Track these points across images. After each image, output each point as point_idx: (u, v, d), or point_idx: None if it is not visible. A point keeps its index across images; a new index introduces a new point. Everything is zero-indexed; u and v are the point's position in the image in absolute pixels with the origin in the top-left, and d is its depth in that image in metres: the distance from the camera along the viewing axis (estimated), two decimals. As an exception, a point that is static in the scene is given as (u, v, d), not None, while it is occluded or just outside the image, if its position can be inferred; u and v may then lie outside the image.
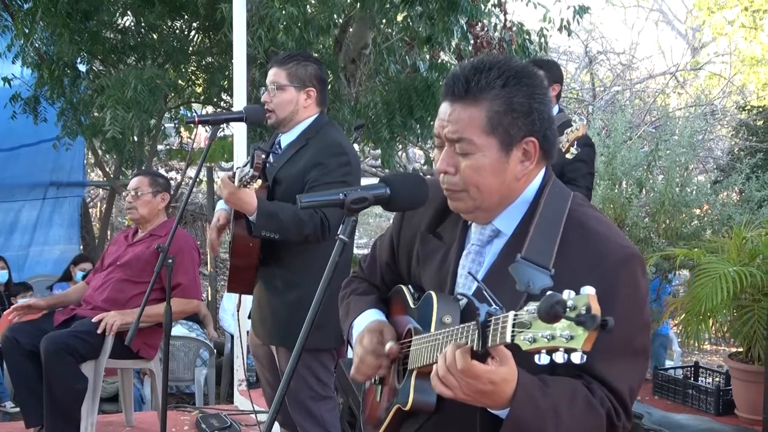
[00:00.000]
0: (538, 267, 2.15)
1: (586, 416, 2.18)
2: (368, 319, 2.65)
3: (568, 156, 5.31)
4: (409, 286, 2.64)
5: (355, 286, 2.86)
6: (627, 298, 2.25)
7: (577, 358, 1.82)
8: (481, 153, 2.30)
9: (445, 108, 2.35)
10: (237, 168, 4.49)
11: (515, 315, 1.91)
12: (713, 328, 6.63)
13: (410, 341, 2.45)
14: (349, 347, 2.72)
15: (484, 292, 2.07)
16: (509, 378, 2.06)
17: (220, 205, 4.72)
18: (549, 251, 2.24)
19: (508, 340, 1.92)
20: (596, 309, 1.78)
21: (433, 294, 2.39)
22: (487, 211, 2.39)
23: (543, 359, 1.85)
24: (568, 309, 1.79)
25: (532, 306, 1.87)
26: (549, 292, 1.81)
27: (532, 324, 1.86)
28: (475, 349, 2.03)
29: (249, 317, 4.92)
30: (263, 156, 4.16)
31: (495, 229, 2.41)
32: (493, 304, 2.02)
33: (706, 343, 10.13)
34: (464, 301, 2.36)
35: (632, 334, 2.27)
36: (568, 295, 1.81)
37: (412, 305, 2.55)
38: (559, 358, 1.83)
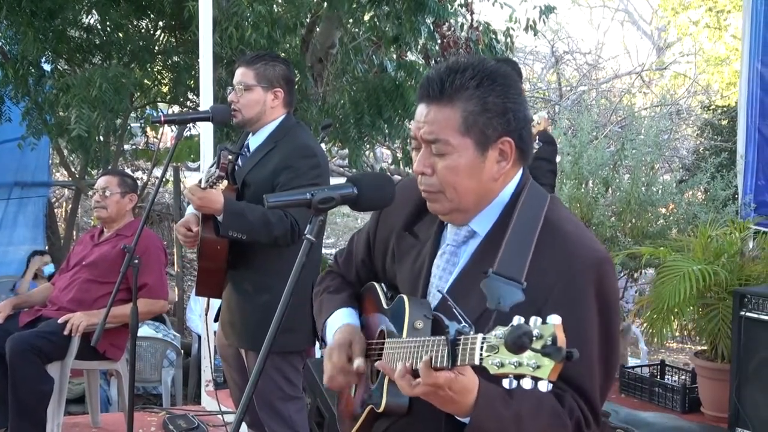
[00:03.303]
0: (509, 281, 2.16)
1: (550, 426, 2.20)
2: (340, 320, 2.65)
3: None
4: (382, 284, 2.65)
5: (328, 283, 2.86)
6: (597, 303, 2.27)
7: (543, 386, 1.82)
8: (457, 153, 2.31)
9: (420, 110, 2.36)
10: (204, 171, 4.48)
11: (483, 338, 1.92)
12: (679, 326, 6.68)
13: (383, 342, 2.45)
14: (319, 346, 2.73)
15: (454, 310, 2.07)
16: (470, 387, 2.09)
17: (191, 209, 4.70)
18: (522, 261, 2.24)
19: (477, 362, 1.92)
20: (562, 340, 1.79)
21: (405, 298, 2.40)
22: (464, 213, 2.40)
23: (512, 384, 1.85)
24: (534, 339, 1.79)
25: (500, 331, 1.87)
26: (516, 323, 1.82)
27: (499, 349, 1.87)
28: (444, 365, 2.03)
29: (215, 320, 4.91)
30: (229, 156, 4.16)
31: (470, 230, 2.42)
32: (462, 321, 2.03)
33: (672, 341, 10.20)
34: (436, 304, 2.37)
35: (602, 338, 2.29)
36: (534, 323, 1.81)
37: (384, 306, 2.55)
38: (527, 384, 1.83)
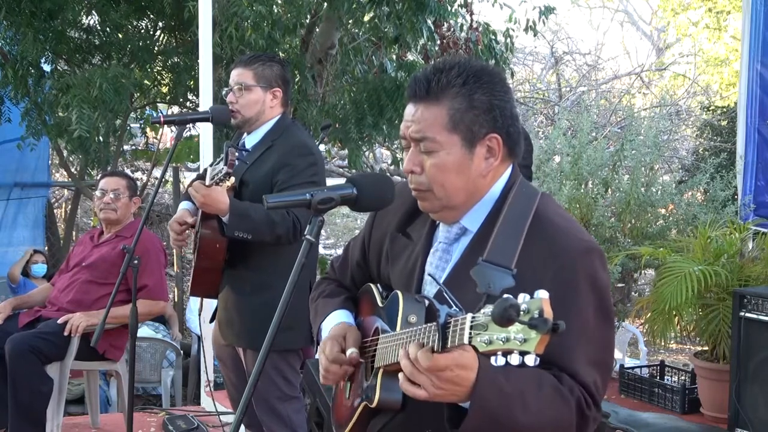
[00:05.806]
0: (499, 267, 2.18)
1: (554, 401, 2.20)
2: (334, 321, 2.67)
3: None
4: (378, 285, 2.66)
5: (323, 288, 2.88)
6: (587, 290, 2.29)
7: (531, 360, 1.84)
8: (444, 151, 2.34)
9: (409, 109, 2.40)
10: (207, 167, 4.47)
11: (473, 317, 1.94)
12: (679, 327, 6.67)
13: (377, 339, 2.46)
14: (316, 348, 2.74)
15: (445, 294, 2.10)
16: (470, 365, 2.08)
17: (183, 206, 4.70)
18: (512, 250, 2.27)
19: (466, 341, 1.94)
20: (548, 312, 1.81)
21: (399, 294, 2.42)
22: (454, 210, 2.42)
23: (499, 361, 1.87)
24: (521, 313, 1.81)
25: (488, 308, 1.89)
26: (504, 296, 1.83)
27: (488, 326, 1.89)
28: (435, 350, 2.05)
29: (211, 321, 4.91)
30: (236, 153, 4.16)
31: (462, 227, 2.45)
32: (453, 305, 2.05)
33: (672, 342, 10.18)
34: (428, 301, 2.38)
35: (595, 325, 2.30)
36: (523, 298, 1.83)
37: (380, 304, 2.57)
38: (515, 360, 1.85)
